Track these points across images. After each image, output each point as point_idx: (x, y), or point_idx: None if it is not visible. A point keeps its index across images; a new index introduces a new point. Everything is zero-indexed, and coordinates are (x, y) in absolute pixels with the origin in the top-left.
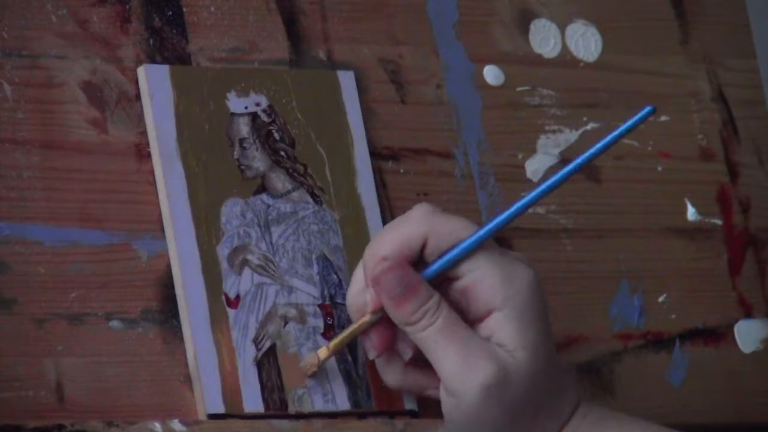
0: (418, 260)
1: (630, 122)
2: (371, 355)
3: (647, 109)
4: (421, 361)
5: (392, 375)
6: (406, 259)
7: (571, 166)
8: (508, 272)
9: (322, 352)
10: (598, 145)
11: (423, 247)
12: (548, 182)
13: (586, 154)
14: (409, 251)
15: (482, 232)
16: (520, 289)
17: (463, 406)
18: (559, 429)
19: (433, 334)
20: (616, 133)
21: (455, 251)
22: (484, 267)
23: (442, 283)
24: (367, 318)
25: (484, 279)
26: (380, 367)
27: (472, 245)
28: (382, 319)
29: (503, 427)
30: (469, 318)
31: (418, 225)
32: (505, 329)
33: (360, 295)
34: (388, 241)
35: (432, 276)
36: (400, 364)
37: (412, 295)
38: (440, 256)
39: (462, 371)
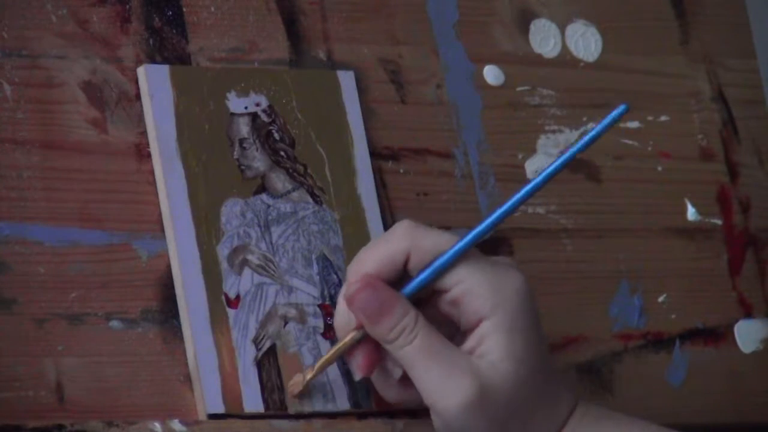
0: (402, 276)
1: (602, 123)
2: (357, 376)
3: (621, 108)
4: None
5: (388, 392)
6: (389, 276)
7: (550, 169)
8: (496, 281)
9: (308, 374)
10: (574, 149)
11: (407, 263)
12: (523, 191)
13: (561, 159)
14: (391, 268)
15: (461, 243)
16: (509, 296)
17: (447, 421)
18: (557, 430)
19: (412, 352)
20: (585, 139)
21: (435, 265)
22: (471, 277)
23: (433, 296)
24: (351, 335)
25: (472, 289)
26: (376, 384)
27: (451, 257)
28: (368, 340)
29: None
30: (462, 328)
31: (400, 241)
32: (493, 338)
33: (345, 314)
34: (370, 258)
35: (414, 291)
36: (394, 383)
37: (385, 313)
38: (422, 271)
39: (442, 390)
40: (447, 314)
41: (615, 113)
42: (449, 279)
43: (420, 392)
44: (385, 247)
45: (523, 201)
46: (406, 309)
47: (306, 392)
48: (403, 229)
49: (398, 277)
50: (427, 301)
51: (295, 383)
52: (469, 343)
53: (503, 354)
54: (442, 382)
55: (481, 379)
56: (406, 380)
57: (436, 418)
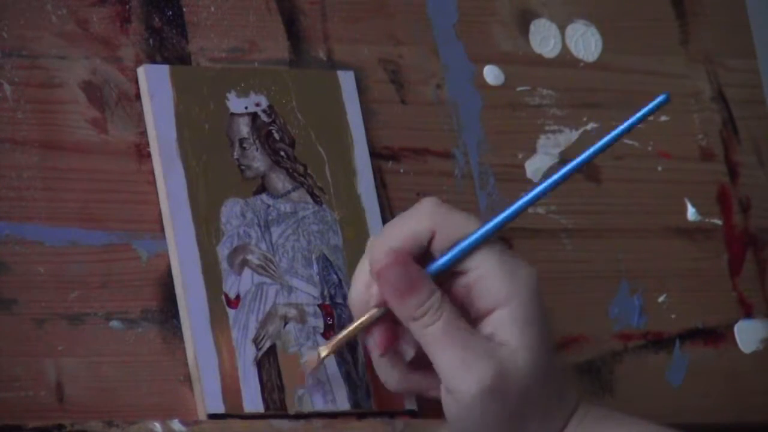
0: (425, 254)
1: (644, 110)
2: (375, 354)
3: (661, 97)
4: (421, 364)
5: (393, 378)
6: (412, 253)
7: (583, 156)
8: (512, 270)
9: (323, 350)
10: (611, 135)
11: (430, 241)
12: (556, 175)
13: (599, 144)
14: (416, 245)
15: (487, 227)
16: (524, 287)
17: (463, 404)
18: (559, 430)
19: (435, 332)
20: (629, 121)
21: (460, 246)
22: (488, 264)
23: (448, 278)
24: (371, 313)
25: (488, 276)
26: (381, 371)
27: (476, 241)
28: (385, 318)
29: (501, 425)
30: (472, 314)
31: (426, 219)
32: (508, 327)
33: (364, 290)
34: (396, 234)
35: (437, 271)
36: (401, 367)
37: (415, 290)
38: (446, 252)
39: (462, 371)
40: (460, 297)
41: (657, 101)
42: (467, 262)
43: (439, 373)
44: (412, 224)
45: (555, 185)
46: (432, 288)
47: (320, 369)
48: (429, 206)
49: (421, 255)
50: (440, 284)
51: (310, 360)
52: (484, 330)
53: (519, 343)
54: (463, 364)
55: (500, 364)
56: (412, 366)
57: (451, 401)
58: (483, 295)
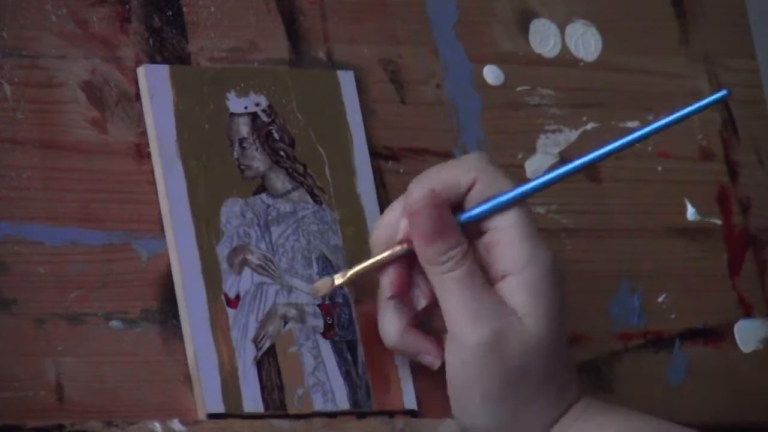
0: (458, 205)
1: (703, 102)
2: (386, 293)
3: (722, 92)
4: (421, 327)
5: (393, 330)
6: (449, 199)
7: (639, 133)
8: (534, 241)
9: (338, 278)
10: (670, 118)
11: (467, 192)
12: (606, 148)
13: (658, 124)
14: (454, 192)
15: (525, 188)
16: (541, 260)
17: (462, 356)
18: (559, 415)
19: (453, 279)
20: (686, 110)
21: (494, 202)
22: (512, 227)
23: (473, 234)
24: (394, 249)
25: (511, 239)
26: (383, 320)
27: (510, 199)
28: (402, 261)
29: (497, 389)
30: (489, 275)
31: (470, 169)
32: (518, 294)
33: (391, 225)
34: (439, 176)
35: (467, 221)
36: (404, 320)
37: (444, 236)
38: (480, 204)
39: (467, 323)
40: (479, 257)
41: (717, 95)
42: (495, 221)
43: (445, 318)
44: (456, 170)
45: (604, 157)
46: (460, 238)
47: (328, 295)
48: (476, 158)
49: (456, 204)
50: (466, 237)
51: (321, 285)
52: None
53: (526, 311)
54: (469, 316)
55: (505, 325)
56: (412, 325)
57: (453, 351)
58: (501, 258)
